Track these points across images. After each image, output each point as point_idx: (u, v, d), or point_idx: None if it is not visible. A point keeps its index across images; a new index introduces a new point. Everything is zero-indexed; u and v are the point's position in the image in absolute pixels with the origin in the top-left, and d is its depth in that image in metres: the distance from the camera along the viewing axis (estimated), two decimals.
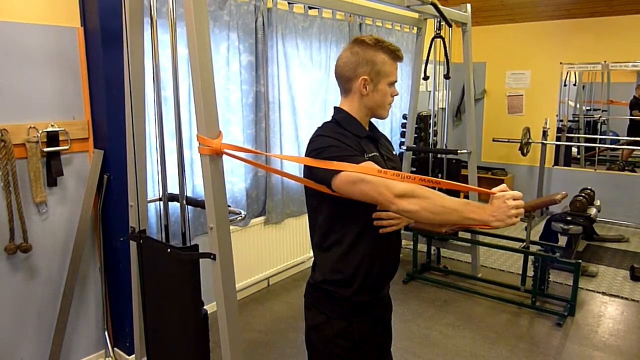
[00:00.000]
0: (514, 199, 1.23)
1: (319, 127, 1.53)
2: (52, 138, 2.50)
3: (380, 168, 1.35)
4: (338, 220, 1.50)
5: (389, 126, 4.90)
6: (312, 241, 1.60)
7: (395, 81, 1.53)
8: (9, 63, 2.33)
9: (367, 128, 1.58)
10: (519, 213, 1.24)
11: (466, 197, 4.54)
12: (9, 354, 2.50)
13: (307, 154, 1.46)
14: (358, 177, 1.32)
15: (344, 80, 1.53)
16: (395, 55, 1.50)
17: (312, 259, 1.64)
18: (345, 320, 1.53)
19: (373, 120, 1.62)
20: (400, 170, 1.60)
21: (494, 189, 1.27)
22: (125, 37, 1.98)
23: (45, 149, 2.47)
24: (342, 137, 1.46)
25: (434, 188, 1.34)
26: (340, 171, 1.35)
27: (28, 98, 2.42)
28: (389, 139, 1.89)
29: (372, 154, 1.51)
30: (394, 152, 1.69)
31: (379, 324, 1.64)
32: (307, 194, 1.58)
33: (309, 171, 1.47)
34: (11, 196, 2.36)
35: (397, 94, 1.56)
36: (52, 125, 2.50)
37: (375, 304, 1.60)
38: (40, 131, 2.44)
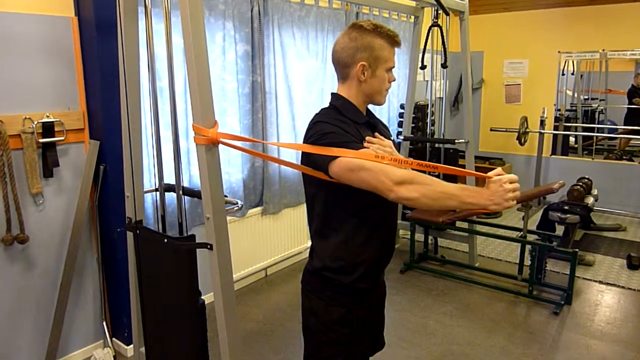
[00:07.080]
0: (510, 182, 1.25)
1: (317, 114, 1.52)
2: (48, 129, 2.48)
3: (376, 154, 1.34)
4: (336, 208, 1.50)
5: (386, 115, 4.89)
6: (311, 228, 1.60)
7: (393, 67, 1.52)
8: (2, 53, 2.31)
9: (365, 114, 1.57)
10: (516, 196, 1.26)
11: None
12: (7, 345, 2.51)
13: (306, 141, 1.45)
14: (357, 164, 1.30)
15: (342, 66, 1.50)
16: (393, 40, 1.48)
17: (310, 248, 1.64)
18: (344, 307, 1.54)
19: (371, 107, 1.62)
20: None
21: (489, 173, 1.29)
22: (119, 27, 1.96)
23: (41, 140, 2.46)
24: (341, 123, 1.44)
25: (431, 174, 1.33)
26: (338, 157, 1.33)
27: (23, 89, 2.40)
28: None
29: None
30: (392, 139, 1.67)
31: (376, 310, 1.67)
32: (305, 182, 1.57)
33: (307, 158, 1.46)
34: (7, 187, 2.35)
35: (394, 80, 1.55)
36: (47, 116, 2.48)
37: (374, 290, 1.62)
38: (36, 122, 2.43)
